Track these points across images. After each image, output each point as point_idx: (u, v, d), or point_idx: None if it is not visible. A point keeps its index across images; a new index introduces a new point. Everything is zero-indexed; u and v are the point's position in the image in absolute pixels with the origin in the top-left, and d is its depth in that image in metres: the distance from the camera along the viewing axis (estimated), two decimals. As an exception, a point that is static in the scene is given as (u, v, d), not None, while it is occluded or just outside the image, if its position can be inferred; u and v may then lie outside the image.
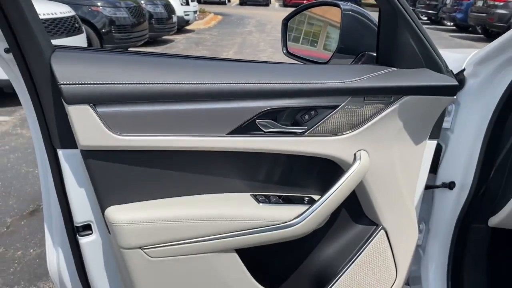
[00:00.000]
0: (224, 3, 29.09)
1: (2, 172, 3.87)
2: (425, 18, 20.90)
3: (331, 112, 1.11)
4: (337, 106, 1.11)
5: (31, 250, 2.79)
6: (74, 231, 1.08)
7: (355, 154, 1.19)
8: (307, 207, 1.15)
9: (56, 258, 1.15)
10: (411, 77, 1.17)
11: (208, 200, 1.08)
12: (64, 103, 0.89)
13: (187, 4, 13.38)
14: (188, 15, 13.37)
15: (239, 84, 1.00)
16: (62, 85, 0.87)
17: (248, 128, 1.04)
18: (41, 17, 5.83)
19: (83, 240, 1.07)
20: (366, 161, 1.19)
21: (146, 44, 9.83)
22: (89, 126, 0.91)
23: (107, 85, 0.90)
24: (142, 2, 10.34)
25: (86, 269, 1.12)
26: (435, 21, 19.02)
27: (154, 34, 10.60)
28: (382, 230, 1.33)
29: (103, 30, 8.03)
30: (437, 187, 1.51)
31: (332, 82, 1.09)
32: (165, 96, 0.94)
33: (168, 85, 0.94)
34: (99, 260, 1.09)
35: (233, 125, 1.03)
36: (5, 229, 3.01)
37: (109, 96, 0.90)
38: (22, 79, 0.95)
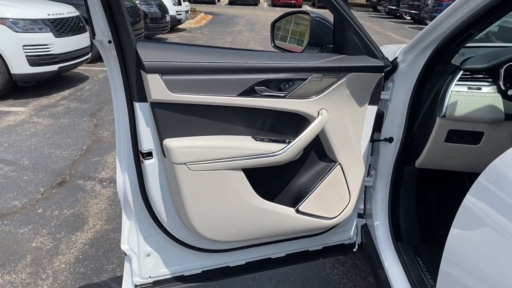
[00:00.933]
0: (213, 3, 29.46)
1: (28, 152, 4.44)
2: (409, 18, 21.63)
3: (302, 83, 1.74)
4: (306, 79, 1.74)
5: (65, 210, 3.39)
6: (139, 157, 1.69)
7: (318, 111, 1.81)
8: (287, 144, 1.78)
9: (123, 179, 1.76)
10: (354, 61, 1.80)
11: (227, 137, 1.70)
12: (143, 73, 1.51)
13: (179, 4, 13.94)
14: (180, 14, 13.93)
15: (245, 64, 1.62)
16: (144, 62, 1.49)
17: (250, 92, 1.66)
18: (50, 17, 6.38)
19: (147, 162, 1.68)
20: (325, 116, 1.82)
21: None
22: (157, 87, 1.52)
23: (170, 62, 1.52)
24: (137, 2, 10.88)
25: (145, 184, 1.73)
26: (418, 20, 19.80)
27: (148, 33, 11.16)
28: (338, 165, 1.96)
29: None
30: (381, 140, 2.15)
31: (303, 63, 1.71)
32: (202, 70, 1.56)
33: (204, 63, 1.56)
34: (156, 177, 1.70)
35: (241, 90, 1.64)
36: (40, 196, 3.60)
37: (170, 69, 1.52)
38: (112, 59, 1.56)
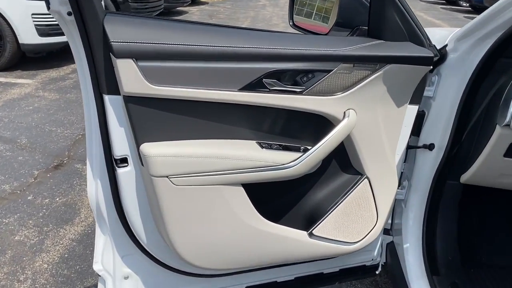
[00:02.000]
0: (238, -24, 28.75)
1: (27, 129, 4.16)
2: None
3: (326, 75, 1.34)
4: (331, 71, 1.34)
5: (57, 199, 3.09)
6: (112, 163, 1.34)
7: (344, 112, 1.42)
8: (302, 154, 1.39)
9: (95, 188, 1.41)
10: (394, 49, 1.39)
11: (222, 143, 1.33)
12: (112, 57, 1.14)
13: (202, -25, 13.43)
14: (202, -14, 13.44)
15: (250, 48, 1.23)
16: (112, 42, 1.11)
17: (256, 85, 1.27)
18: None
19: (121, 171, 1.32)
20: (353, 118, 1.43)
21: (160, 15, 9.98)
22: (131, 76, 1.15)
23: (147, 44, 1.14)
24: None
25: (120, 196, 1.38)
26: (451, 1, 18.80)
27: (169, 5, 10.74)
28: (365, 179, 1.57)
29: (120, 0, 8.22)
30: (419, 147, 1.75)
31: (327, 50, 1.31)
32: (191, 56, 1.18)
33: (195, 46, 1.17)
34: (132, 188, 1.35)
35: (244, 82, 1.26)
36: (33, 180, 3.31)
37: (149, 53, 1.14)
38: (78, 38, 1.18)
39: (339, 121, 1.41)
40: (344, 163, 1.58)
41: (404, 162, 1.80)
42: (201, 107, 1.27)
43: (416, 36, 1.43)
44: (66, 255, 2.52)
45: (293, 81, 1.34)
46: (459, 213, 1.81)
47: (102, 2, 5.02)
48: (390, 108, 1.49)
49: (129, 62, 1.13)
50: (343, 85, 1.38)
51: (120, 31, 1.12)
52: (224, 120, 1.31)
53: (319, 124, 1.44)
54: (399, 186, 1.85)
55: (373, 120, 1.48)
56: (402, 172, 1.84)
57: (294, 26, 1.78)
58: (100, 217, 1.47)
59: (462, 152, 1.69)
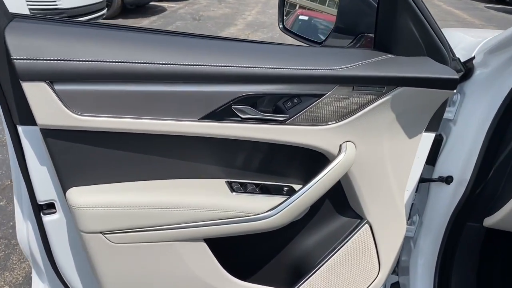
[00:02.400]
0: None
1: None
2: None
3: (316, 101, 1.03)
4: (323, 95, 1.03)
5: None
6: (38, 209, 1.05)
7: (340, 146, 1.11)
8: (285, 198, 1.09)
9: (25, 231, 1.13)
10: (408, 67, 1.07)
11: (175, 186, 1.03)
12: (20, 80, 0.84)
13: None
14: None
15: (214, 67, 0.92)
16: (15, 60, 0.81)
17: (223, 113, 0.97)
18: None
19: (47, 219, 1.04)
20: (351, 153, 1.12)
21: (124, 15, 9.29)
22: (46, 105, 0.85)
23: (66, 61, 0.84)
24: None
25: (50, 246, 1.09)
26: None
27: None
28: (366, 224, 1.26)
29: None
30: (433, 180, 1.43)
31: (318, 69, 1.00)
32: (130, 76, 0.88)
33: (133, 64, 0.87)
34: (63, 239, 1.07)
35: (206, 110, 0.96)
36: (8, 182, 3.06)
37: (69, 73, 0.84)
38: None
39: (333, 156, 1.11)
40: (339, 203, 1.27)
41: (415, 192, 1.49)
42: (145, 141, 0.97)
43: (437, 49, 1.10)
44: None
45: (274, 107, 1.03)
46: (480, 261, 1.50)
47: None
48: (399, 139, 1.18)
49: (42, 86, 0.83)
50: (339, 113, 1.06)
51: (27, 44, 0.82)
52: (179, 156, 1.02)
53: (309, 159, 1.14)
54: (408, 219, 1.54)
55: (377, 155, 1.16)
56: (412, 204, 1.52)
57: (285, 30, 1.46)
58: (35, 264, 1.19)
59: (488, 189, 1.37)
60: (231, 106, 0.98)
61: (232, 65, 0.94)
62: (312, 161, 1.17)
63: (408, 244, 1.61)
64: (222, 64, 0.93)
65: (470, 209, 1.40)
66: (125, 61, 0.87)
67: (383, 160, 1.18)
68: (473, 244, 1.48)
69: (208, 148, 1.05)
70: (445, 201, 1.44)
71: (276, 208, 1.06)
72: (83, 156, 0.94)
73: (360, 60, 1.05)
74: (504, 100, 1.21)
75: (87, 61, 0.85)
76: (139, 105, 0.91)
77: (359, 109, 1.07)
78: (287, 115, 1.03)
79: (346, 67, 1.02)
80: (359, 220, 1.27)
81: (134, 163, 0.99)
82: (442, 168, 1.41)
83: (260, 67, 0.96)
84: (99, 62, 0.85)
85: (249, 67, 0.96)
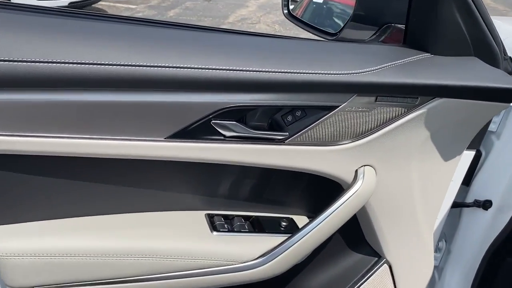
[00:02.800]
0: None
1: None
2: None
3: (326, 115, 0.77)
4: (335, 107, 0.77)
5: None
6: None
7: (356, 171, 0.86)
8: (283, 238, 0.84)
9: None
10: (451, 71, 0.80)
11: (134, 223, 0.79)
12: None
13: None
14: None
15: (186, 69, 0.67)
16: None
17: (199, 130, 0.72)
18: None
19: None
20: (371, 180, 0.86)
21: None
22: None
23: None
24: None
25: None
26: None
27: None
28: (385, 264, 1.01)
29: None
30: (468, 205, 1.18)
31: (331, 73, 0.74)
32: (58, 82, 0.63)
33: (62, 65, 0.62)
34: None
35: (176, 126, 0.71)
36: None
37: None
38: None
39: (347, 184, 0.85)
40: (351, 235, 1.03)
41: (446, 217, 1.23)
42: (90, 165, 0.72)
43: (488, 47, 0.84)
44: None
45: (269, 122, 0.78)
46: None
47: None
48: (433, 162, 0.92)
49: None
50: (357, 130, 0.81)
51: None
52: (140, 183, 0.77)
53: (314, 186, 0.89)
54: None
55: (403, 182, 0.91)
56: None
57: (290, 16, 1.18)
58: None
59: None
60: (210, 121, 0.72)
61: (212, 66, 0.69)
62: (319, 188, 0.92)
63: (433, 275, 1.35)
64: (198, 66, 0.68)
65: (510, 242, 1.14)
66: (50, 60, 0.62)
67: (410, 188, 0.92)
68: None
69: (181, 171, 0.81)
70: (480, 230, 1.19)
71: (272, 253, 0.82)
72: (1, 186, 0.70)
73: (386, 61, 0.78)
74: None
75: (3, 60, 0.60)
76: (74, 120, 0.66)
77: (382, 126, 0.81)
78: (287, 133, 0.78)
79: (368, 71, 0.76)
80: (377, 258, 1.02)
81: (75, 193, 0.75)
82: (478, 190, 1.16)
83: (252, 70, 0.71)
84: (9, 63, 0.60)
85: (236, 70, 0.70)
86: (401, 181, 0.90)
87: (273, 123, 0.78)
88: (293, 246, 0.83)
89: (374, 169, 0.87)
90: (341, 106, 0.77)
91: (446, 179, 0.96)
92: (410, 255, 1.02)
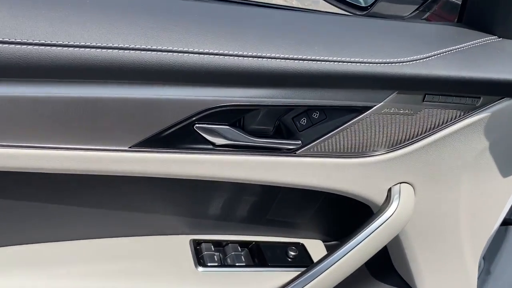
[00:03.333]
0: None
1: None
2: None
3: (354, 118, 0.56)
4: (368, 108, 0.56)
5: None
6: None
7: (390, 190, 0.65)
8: (292, 274, 0.65)
9: None
10: None
11: (91, 254, 0.60)
12: None
13: None
14: None
15: (156, 53, 0.47)
16: None
17: (177, 137, 0.52)
18: None
19: None
20: (409, 202, 0.66)
21: None
22: None
23: None
24: None
25: None
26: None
27: None
28: (417, 298, 0.82)
29: None
30: None
31: (362, 63, 0.53)
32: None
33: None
34: None
35: (145, 132, 0.51)
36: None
37: None
38: None
39: (377, 206, 0.65)
40: (376, 260, 0.82)
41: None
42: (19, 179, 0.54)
43: None
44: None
45: (275, 127, 0.57)
46: None
47: None
48: (490, 178, 0.71)
49: None
50: (394, 138, 0.60)
51: None
52: (107, 202, 0.58)
53: (333, 206, 0.69)
54: None
55: (450, 203, 0.71)
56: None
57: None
58: None
59: None
60: (192, 125, 0.52)
61: (194, 49, 0.48)
62: (340, 206, 0.72)
63: None
64: (173, 48, 0.47)
65: None
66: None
67: (458, 210, 0.72)
68: None
69: (160, 186, 0.62)
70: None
71: None
72: None
73: (438, 47, 0.57)
74: None
75: None
76: (24, 122, 0.47)
77: (429, 133, 0.61)
78: (299, 141, 0.57)
79: (414, 60, 0.54)
80: None
81: (16, 215, 0.57)
82: None
83: (252, 56, 0.50)
84: None
85: (230, 54, 0.49)
86: (446, 202, 0.70)
87: (281, 128, 0.58)
88: (306, 286, 0.64)
89: (413, 187, 0.66)
90: (375, 107, 0.56)
91: (504, 199, 0.75)
92: (448, 280, 0.82)
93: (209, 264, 0.63)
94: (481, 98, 0.59)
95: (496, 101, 0.59)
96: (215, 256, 0.65)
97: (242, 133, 0.55)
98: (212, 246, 0.66)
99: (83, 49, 0.45)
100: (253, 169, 0.58)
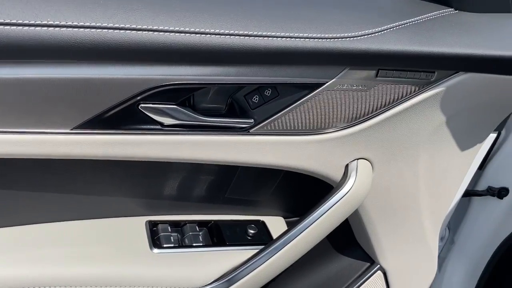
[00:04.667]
0: None
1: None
2: None
3: (307, 95, 0.55)
4: (320, 85, 0.55)
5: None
6: None
7: (347, 166, 0.65)
8: (252, 251, 0.65)
9: None
10: (482, 34, 0.58)
11: (44, 238, 0.59)
12: None
13: None
14: None
15: (94, 30, 0.44)
16: None
17: (122, 118, 0.50)
18: None
19: None
20: (366, 177, 0.66)
21: None
22: None
23: None
24: None
25: None
26: None
27: None
28: (379, 271, 0.83)
29: None
30: (481, 194, 0.99)
31: (313, 38, 0.51)
32: None
33: None
34: None
35: (87, 113, 0.49)
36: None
37: None
38: None
39: (335, 182, 0.65)
40: (339, 235, 0.83)
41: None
42: None
43: None
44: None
45: (227, 106, 0.56)
46: None
47: None
48: (448, 152, 0.71)
49: None
50: (349, 115, 0.59)
51: None
52: (57, 183, 0.57)
53: (292, 182, 0.69)
54: None
55: (407, 178, 0.71)
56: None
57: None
58: None
59: None
60: (137, 106, 0.50)
61: (133, 26, 0.46)
62: (300, 182, 0.72)
63: None
64: (112, 25, 0.45)
65: None
66: None
67: (416, 184, 0.72)
68: None
69: (112, 165, 0.60)
70: (493, 221, 1.02)
71: (237, 273, 0.62)
72: None
73: (391, 19, 0.56)
74: None
75: None
76: None
77: (384, 109, 0.60)
78: (252, 120, 0.56)
79: (366, 34, 0.53)
80: (369, 263, 0.83)
81: None
82: (493, 175, 0.98)
83: (198, 32, 0.48)
84: None
85: (170, 31, 0.47)
86: (404, 176, 0.70)
87: (233, 106, 0.56)
88: (265, 263, 0.64)
89: (371, 163, 0.66)
90: (327, 84, 0.55)
91: (462, 172, 0.76)
92: (409, 262, 0.83)
93: (165, 245, 0.63)
94: (436, 73, 0.58)
95: (451, 75, 0.58)
96: (172, 237, 0.64)
97: (191, 113, 0.54)
98: (169, 227, 0.66)
99: (15, 27, 0.42)
100: (205, 149, 0.56)
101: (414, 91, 0.59)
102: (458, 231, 1.12)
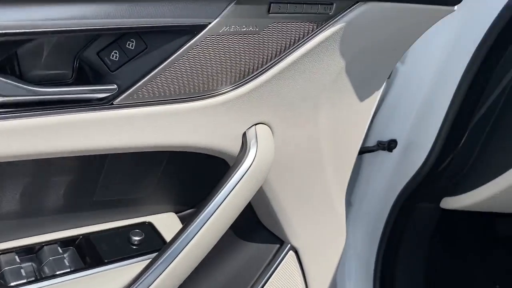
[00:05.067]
0: None
1: None
2: None
3: (184, 45, 0.41)
4: (202, 27, 0.41)
5: None
6: None
7: (245, 135, 0.53)
8: (142, 265, 0.50)
9: None
10: None
11: None
12: None
13: None
14: None
15: None
16: None
17: None
18: None
19: None
20: (268, 146, 0.55)
21: None
22: None
23: None
24: None
25: None
26: None
27: None
28: (290, 251, 0.73)
29: None
30: (372, 150, 0.96)
31: None
32: None
33: None
34: None
35: None
36: None
37: None
38: None
39: (232, 157, 0.53)
40: (242, 218, 0.71)
41: None
42: None
43: None
44: None
45: (75, 70, 0.39)
46: (434, 257, 1.10)
47: None
48: (349, 102, 0.63)
49: None
50: (239, 68, 0.46)
51: None
52: None
53: (179, 165, 0.55)
54: None
55: (310, 138, 0.61)
56: None
57: None
58: None
59: (453, 159, 0.94)
60: None
61: None
62: (192, 168, 0.58)
63: None
64: None
65: (424, 186, 0.96)
66: None
67: (319, 146, 0.63)
68: (425, 229, 1.07)
69: None
70: (386, 175, 1.00)
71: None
72: None
73: None
74: (495, 23, 0.73)
75: None
76: None
77: (282, 56, 0.49)
78: (114, 85, 0.40)
79: None
80: (278, 245, 0.73)
81: None
82: (380, 129, 0.95)
83: None
84: None
85: None
86: (307, 138, 0.60)
87: (83, 69, 0.40)
88: (163, 274, 0.49)
89: (270, 127, 0.55)
90: (210, 26, 0.42)
91: (363, 124, 0.69)
92: (320, 235, 0.75)
93: (12, 283, 0.44)
94: (334, 5, 0.48)
95: (350, 6, 0.49)
96: (23, 270, 0.45)
97: (20, 83, 0.36)
98: (16, 257, 0.46)
99: None
100: (50, 136, 0.39)
101: (313, 30, 0.49)
102: (353, 193, 1.09)
